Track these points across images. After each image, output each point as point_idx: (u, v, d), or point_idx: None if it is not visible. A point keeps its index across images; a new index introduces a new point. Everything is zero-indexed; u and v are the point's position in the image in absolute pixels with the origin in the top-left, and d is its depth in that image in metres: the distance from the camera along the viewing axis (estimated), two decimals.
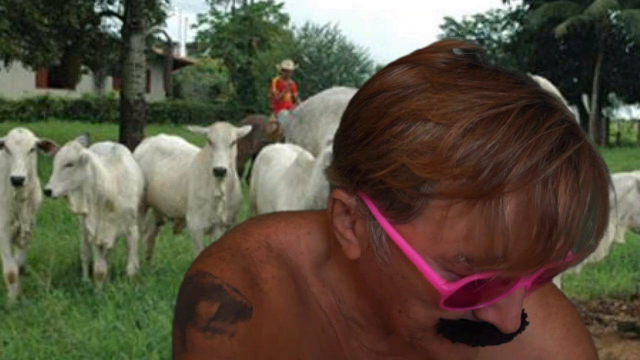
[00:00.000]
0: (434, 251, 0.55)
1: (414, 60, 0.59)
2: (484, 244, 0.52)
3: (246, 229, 0.70)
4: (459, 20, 38.22)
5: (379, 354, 0.71)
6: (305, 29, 33.10)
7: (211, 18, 32.05)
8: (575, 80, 28.09)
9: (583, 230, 0.53)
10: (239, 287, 0.64)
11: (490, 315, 0.57)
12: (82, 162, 4.28)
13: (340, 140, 0.61)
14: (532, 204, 0.51)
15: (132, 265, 4.80)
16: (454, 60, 0.57)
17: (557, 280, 3.83)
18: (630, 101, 30.73)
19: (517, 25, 31.36)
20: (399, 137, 0.54)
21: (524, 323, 0.60)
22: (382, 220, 0.58)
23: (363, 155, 0.57)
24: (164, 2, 15.98)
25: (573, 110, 27.84)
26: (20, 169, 4.15)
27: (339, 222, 0.63)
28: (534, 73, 7.58)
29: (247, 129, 4.86)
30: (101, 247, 4.63)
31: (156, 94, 27.65)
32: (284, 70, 10.41)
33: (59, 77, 22.32)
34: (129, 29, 11.91)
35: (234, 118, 19.94)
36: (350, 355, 0.70)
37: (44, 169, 5.61)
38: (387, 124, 0.56)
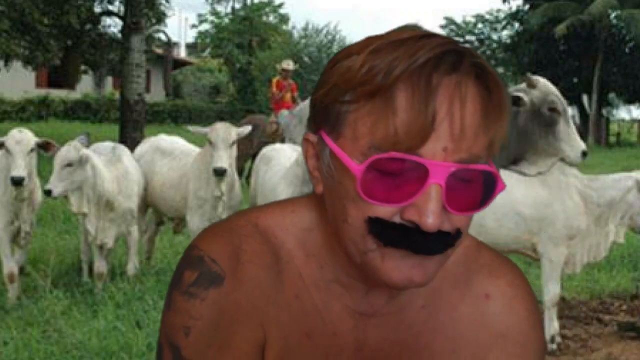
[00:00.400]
0: (356, 150, 0.67)
1: None
2: (383, 131, 0.65)
3: (243, 212, 0.84)
4: (459, 20, 38.30)
5: (362, 315, 0.79)
6: (305, 29, 33.15)
7: (211, 18, 32.05)
8: (575, 80, 28.08)
9: (461, 121, 0.65)
10: (217, 259, 0.76)
11: (411, 214, 0.66)
12: (82, 162, 4.28)
13: (311, 100, 0.75)
14: (415, 94, 0.64)
15: (132, 265, 4.80)
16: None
17: (557, 280, 3.83)
18: (630, 101, 30.73)
19: (517, 25, 31.35)
20: (335, 69, 0.70)
21: (455, 238, 0.69)
22: (328, 139, 0.71)
23: (316, 94, 0.73)
24: (164, 2, 15.98)
25: (573, 110, 27.90)
26: (20, 169, 4.15)
27: (310, 163, 0.76)
28: (534, 73, 7.56)
29: (247, 129, 4.85)
30: (101, 247, 4.63)
31: (156, 94, 27.65)
32: (284, 70, 10.41)
33: (59, 77, 22.29)
34: (129, 29, 11.91)
35: (234, 118, 19.94)
36: (331, 319, 0.79)
37: (44, 169, 5.61)
38: (331, 65, 0.71)
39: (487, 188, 0.71)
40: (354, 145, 0.68)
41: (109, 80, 27.93)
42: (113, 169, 4.67)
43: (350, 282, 0.78)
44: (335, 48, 31.98)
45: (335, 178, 0.71)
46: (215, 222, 0.84)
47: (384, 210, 0.67)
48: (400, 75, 0.65)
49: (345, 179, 0.69)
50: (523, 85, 4.27)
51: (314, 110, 0.74)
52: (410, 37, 0.68)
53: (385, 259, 0.69)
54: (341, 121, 0.69)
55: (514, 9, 31.62)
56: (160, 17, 16.09)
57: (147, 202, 5.26)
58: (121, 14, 13.43)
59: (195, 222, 4.78)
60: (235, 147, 4.68)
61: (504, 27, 34.81)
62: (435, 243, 0.67)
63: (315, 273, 0.79)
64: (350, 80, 0.67)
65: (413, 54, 0.65)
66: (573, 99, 26.91)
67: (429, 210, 0.65)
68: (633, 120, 40.92)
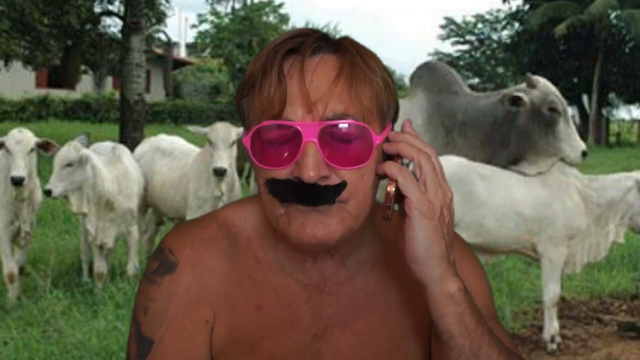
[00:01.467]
0: (251, 137, 0.81)
1: None
2: (258, 109, 0.80)
3: (212, 210, 0.98)
4: (459, 20, 38.30)
5: (315, 287, 0.88)
6: None
7: (211, 18, 32.03)
8: (575, 80, 28.07)
9: (314, 88, 0.77)
10: (174, 249, 0.88)
11: (295, 171, 0.77)
12: (82, 162, 4.28)
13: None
14: (270, 74, 0.79)
15: (132, 265, 4.80)
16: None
17: (557, 280, 3.83)
18: (630, 101, 30.71)
19: (517, 25, 31.35)
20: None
21: (340, 188, 0.78)
22: (244, 133, 0.85)
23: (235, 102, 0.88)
24: (164, 2, 15.97)
25: (573, 110, 27.90)
26: (20, 169, 4.15)
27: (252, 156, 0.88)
28: (534, 73, 7.56)
29: None
30: (101, 247, 4.63)
31: (156, 94, 27.64)
32: None
33: (59, 77, 22.28)
34: (129, 29, 11.90)
35: (234, 118, 19.91)
36: (284, 292, 0.88)
37: (44, 169, 5.61)
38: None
39: (368, 143, 0.79)
40: (250, 127, 0.82)
41: (109, 80, 27.91)
42: (113, 169, 4.67)
43: (299, 256, 0.88)
44: None
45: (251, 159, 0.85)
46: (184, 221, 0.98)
47: (277, 173, 0.79)
48: (262, 65, 0.80)
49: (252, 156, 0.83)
50: (523, 85, 4.27)
51: (238, 110, 0.88)
52: (279, 38, 0.83)
53: (291, 221, 0.80)
54: (245, 115, 0.84)
55: (514, 9, 31.66)
56: (160, 17, 16.08)
57: (147, 202, 5.26)
58: (121, 14, 13.42)
59: None
60: (235, 147, 4.68)
61: (504, 27, 34.82)
62: (321, 194, 0.77)
63: (270, 254, 0.89)
64: (243, 79, 0.83)
65: (270, 48, 0.81)
66: (573, 99, 26.90)
67: (306, 165, 0.76)
68: (633, 120, 40.92)
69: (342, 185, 0.78)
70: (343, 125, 0.78)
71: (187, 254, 0.88)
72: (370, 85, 0.80)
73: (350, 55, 0.80)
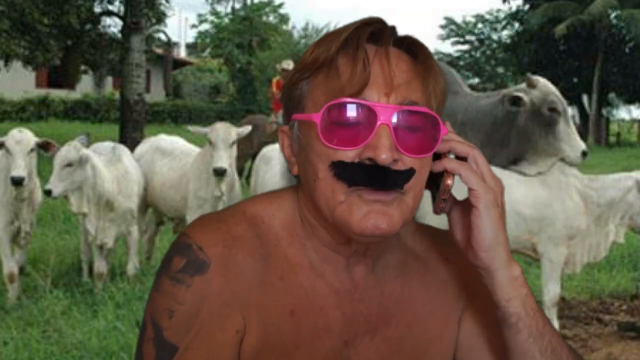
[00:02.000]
0: (316, 110, 0.80)
1: None
2: (332, 88, 0.79)
3: (234, 204, 0.92)
4: (459, 20, 38.29)
5: (345, 291, 0.86)
6: (305, 29, 33.07)
7: (211, 18, 32.04)
8: (575, 80, 28.05)
9: (391, 74, 0.78)
10: (204, 247, 0.81)
11: (367, 152, 0.76)
12: (82, 162, 4.28)
13: (281, 96, 0.89)
14: (350, 56, 0.79)
15: (132, 265, 4.79)
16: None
17: (557, 280, 3.83)
18: (630, 101, 30.70)
19: (517, 25, 31.34)
20: (297, 64, 0.84)
21: (410, 174, 0.78)
22: (296, 116, 0.83)
23: (284, 89, 0.86)
24: (164, 2, 15.97)
25: (573, 110, 27.89)
26: (20, 169, 4.15)
27: (286, 152, 0.87)
28: (534, 73, 7.53)
29: (247, 129, 4.85)
30: (101, 247, 4.63)
31: (156, 94, 27.62)
32: (284, 70, 10.39)
33: (59, 77, 22.28)
34: (129, 29, 11.89)
35: (234, 118, 19.93)
36: (316, 296, 0.85)
37: (44, 169, 5.61)
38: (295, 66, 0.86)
39: (433, 135, 0.81)
40: (314, 107, 0.81)
41: (109, 80, 27.89)
42: (113, 169, 4.67)
43: (331, 256, 0.86)
44: None
45: (303, 143, 0.83)
46: (207, 213, 0.91)
47: (345, 154, 0.77)
48: (337, 48, 0.80)
49: (310, 137, 0.81)
50: (523, 85, 4.27)
51: (285, 103, 0.87)
52: (344, 26, 0.83)
53: (352, 210, 0.77)
54: (303, 97, 0.83)
55: (514, 9, 31.64)
56: (160, 17, 16.07)
57: (147, 202, 5.26)
58: (121, 14, 13.41)
59: None
60: (235, 147, 4.68)
61: (504, 27, 34.81)
62: (392, 178, 0.77)
63: (300, 253, 0.86)
64: (303, 63, 0.82)
65: (342, 31, 0.81)
66: (573, 99, 26.89)
67: (381, 145, 0.76)
68: (633, 120, 40.90)
69: (412, 172, 0.78)
70: (418, 111, 0.79)
71: (219, 253, 0.81)
72: (440, 84, 0.83)
73: (424, 52, 0.83)
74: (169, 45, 25.23)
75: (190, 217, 4.83)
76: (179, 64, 31.17)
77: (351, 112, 0.77)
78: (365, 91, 0.78)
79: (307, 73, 0.82)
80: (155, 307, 0.82)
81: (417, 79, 0.81)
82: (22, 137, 4.25)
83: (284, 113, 0.88)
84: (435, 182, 0.84)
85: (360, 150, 0.77)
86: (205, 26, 32.30)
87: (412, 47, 0.83)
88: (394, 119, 0.77)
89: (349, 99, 0.77)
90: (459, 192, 0.86)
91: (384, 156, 0.75)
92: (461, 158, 0.83)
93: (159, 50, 24.52)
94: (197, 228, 0.84)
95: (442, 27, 38.18)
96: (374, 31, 0.81)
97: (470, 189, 0.80)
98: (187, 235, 0.83)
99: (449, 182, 0.81)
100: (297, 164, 0.86)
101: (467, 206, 0.83)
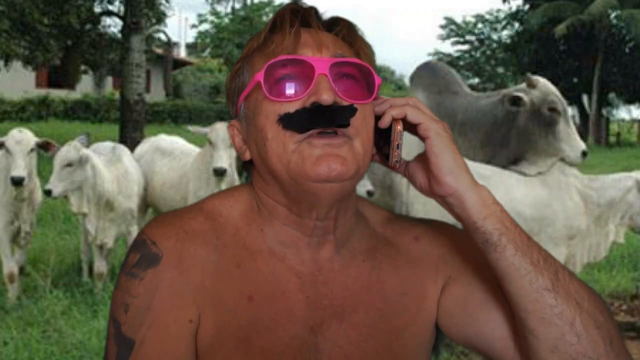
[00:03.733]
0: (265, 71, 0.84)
1: None
2: (269, 52, 0.84)
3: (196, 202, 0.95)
4: (459, 20, 38.32)
5: (309, 274, 0.87)
6: None
7: (211, 18, 32.05)
8: (575, 80, 28.06)
9: (320, 35, 0.85)
10: (157, 240, 0.83)
11: (313, 97, 0.80)
12: (82, 162, 4.28)
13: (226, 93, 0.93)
14: (282, 26, 0.85)
15: None
16: None
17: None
18: (630, 101, 30.70)
19: (517, 25, 31.35)
20: (236, 61, 0.91)
21: (351, 110, 0.81)
22: (243, 94, 0.87)
23: (227, 85, 0.92)
24: (164, 2, 15.97)
25: (573, 110, 27.89)
26: (20, 169, 4.15)
27: (236, 143, 0.91)
28: (534, 73, 7.57)
29: None
30: (101, 247, 4.63)
31: (156, 94, 27.62)
32: None
33: (59, 77, 22.27)
34: (129, 29, 11.89)
35: None
36: (277, 280, 0.85)
37: (44, 169, 5.61)
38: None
39: (368, 83, 0.85)
40: (256, 75, 0.85)
41: (109, 80, 27.89)
42: (113, 169, 4.67)
43: (292, 238, 0.87)
44: None
45: (250, 116, 0.86)
46: (167, 211, 0.94)
47: (290, 106, 0.81)
48: (267, 31, 0.87)
49: (257, 102, 0.84)
50: (523, 85, 4.27)
51: (229, 97, 0.91)
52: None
53: (304, 157, 0.80)
54: (245, 79, 0.87)
55: (514, 9, 31.67)
56: (160, 17, 16.07)
57: (147, 202, 5.26)
58: (121, 14, 13.41)
59: None
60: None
61: (504, 27, 34.82)
62: (337, 112, 0.80)
63: (258, 239, 0.87)
64: (240, 56, 0.90)
65: (276, 15, 0.88)
66: (573, 99, 26.89)
67: (322, 88, 0.80)
68: (633, 120, 40.91)
69: (354, 109, 0.82)
70: (350, 62, 0.84)
71: (171, 246, 0.83)
72: (367, 44, 0.90)
73: (347, 23, 0.90)
74: (169, 45, 25.24)
75: None
76: (179, 64, 31.17)
77: (290, 67, 0.82)
78: (299, 50, 0.83)
79: (245, 61, 0.88)
80: (114, 304, 0.84)
81: (342, 40, 0.88)
82: (22, 137, 4.25)
83: (229, 108, 0.92)
84: (388, 142, 0.86)
85: (304, 100, 0.81)
86: (205, 26, 32.33)
87: (333, 25, 0.90)
88: (330, 71, 0.82)
89: (286, 56, 0.83)
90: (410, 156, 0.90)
91: (325, 96, 0.79)
92: (412, 126, 0.85)
93: (159, 50, 24.53)
94: (153, 224, 0.87)
95: (442, 27, 38.21)
96: (296, 9, 0.87)
97: (418, 125, 0.83)
98: (143, 232, 0.87)
99: (399, 127, 0.84)
100: (248, 145, 0.88)
101: (420, 158, 0.86)
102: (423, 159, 0.85)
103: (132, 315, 0.81)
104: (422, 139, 0.83)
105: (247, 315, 0.83)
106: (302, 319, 0.85)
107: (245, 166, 0.92)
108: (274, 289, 0.85)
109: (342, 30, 0.89)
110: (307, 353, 0.85)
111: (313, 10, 0.89)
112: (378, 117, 0.86)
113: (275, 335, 0.84)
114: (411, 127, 0.85)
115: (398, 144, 0.84)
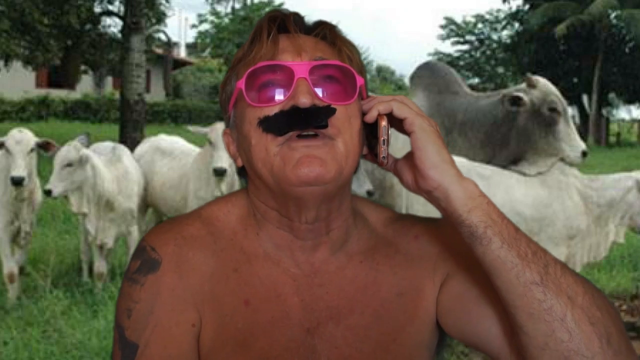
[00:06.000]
0: (245, 79, 0.86)
1: None
2: (250, 60, 0.86)
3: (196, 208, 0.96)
4: (459, 20, 38.28)
5: (304, 277, 0.87)
6: None
7: (211, 18, 32.06)
8: (575, 80, 28.06)
9: (299, 41, 0.86)
10: (156, 247, 0.86)
11: (291, 101, 0.81)
12: (82, 162, 4.28)
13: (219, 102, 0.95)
14: (262, 35, 0.87)
15: None
16: None
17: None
18: (630, 101, 30.70)
19: (517, 25, 31.35)
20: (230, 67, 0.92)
21: (328, 110, 0.82)
22: (230, 103, 0.89)
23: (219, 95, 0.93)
24: (164, 2, 15.98)
25: (573, 110, 27.89)
26: (20, 169, 4.15)
27: (230, 150, 0.92)
28: (534, 73, 7.54)
29: None
30: (101, 247, 4.63)
31: (156, 94, 27.62)
32: None
33: (59, 77, 22.28)
34: (129, 29, 11.89)
35: None
36: (272, 283, 0.87)
37: (44, 169, 5.61)
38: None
39: (351, 83, 0.86)
40: (237, 83, 0.87)
41: (109, 80, 27.90)
42: (113, 169, 4.67)
43: (286, 241, 0.88)
44: None
45: (238, 124, 0.87)
46: (167, 219, 0.96)
47: (270, 110, 0.82)
48: (250, 42, 0.88)
49: (242, 110, 0.86)
50: (523, 85, 4.27)
51: (222, 105, 0.92)
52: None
53: (285, 160, 0.80)
54: (232, 88, 0.88)
55: (514, 9, 31.67)
56: (160, 17, 16.09)
57: (147, 202, 5.26)
58: (121, 14, 13.41)
59: None
60: None
61: (504, 27, 34.81)
62: (313, 113, 0.81)
63: (255, 243, 0.89)
64: (230, 66, 0.90)
65: (256, 25, 0.89)
66: (573, 99, 26.90)
67: (300, 93, 0.81)
68: (633, 120, 40.90)
69: (332, 109, 0.82)
70: (330, 64, 0.85)
71: (170, 252, 0.85)
72: (352, 45, 0.91)
73: (328, 25, 0.91)
74: (169, 45, 25.24)
75: None
76: (179, 64, 31.17)
77: (270, 73, 0.84)
78: (278, 56, 0.85)
79: (232, 71, 0.89)
80: (118, 310, 0.86)
81: (323, 42, 0.89)
82: (22, 137, 4.25)
83: (224, 117, 0.94)
84: (375, 138, 0.86)
85: (284, 104, 0.82)
86: (205, 26, 32.34)
87: (319, 29, 0.91)
88: (310, 74, 0.83)
89: (265, 62, 0.84)
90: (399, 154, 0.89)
91: (303, 99, 0.80)
92: (398, 122, 0.84)
93: (159, 50, 24.51)
94: (153, 232, 0.90)
95: (442, 27, 38.18)
96: (274, 16, 0.89)
97: (404, 120, 0.82)
98: (144, 239, 0.89)
99: (383, 123, 0.83)
100: (239, 152, 0.90)
101: (408, 155, 0.86)
102: (410, 155, 0.85)
103: (135, 320, 0.83)
104: (408, 134, 0.83)
105: (245, 318, 0.85)
106: (298, 322, 0.86)
107: (240, 172, 0.93)
108: (270, 292, 0.86)
109: (323, 32, 0.90)
110: (305, 355, 0.86)
111: (292, 16, 0.90)
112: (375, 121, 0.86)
113: (272, 338, 0.85)
114: (399, 124, 0.84)
115: (384, 140, 0.83)
